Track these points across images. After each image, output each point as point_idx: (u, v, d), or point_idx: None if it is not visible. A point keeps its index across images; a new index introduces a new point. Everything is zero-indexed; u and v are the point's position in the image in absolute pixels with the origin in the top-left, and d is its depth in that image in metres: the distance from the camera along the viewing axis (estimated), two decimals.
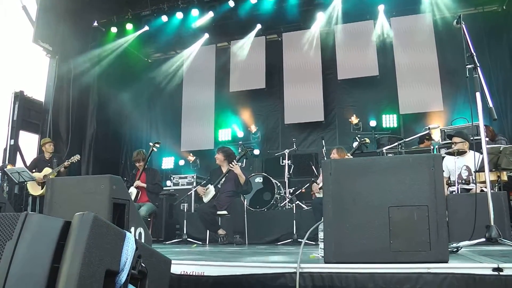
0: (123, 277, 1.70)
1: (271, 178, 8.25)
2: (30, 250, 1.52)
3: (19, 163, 8.97)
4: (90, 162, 9.80)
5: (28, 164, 8.44)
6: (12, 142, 9.07)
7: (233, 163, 6.67)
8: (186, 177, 9.36)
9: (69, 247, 1.53)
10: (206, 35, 11.01)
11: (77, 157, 7.68)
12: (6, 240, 1.55)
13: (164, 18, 10.41)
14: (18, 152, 9.19)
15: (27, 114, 9.54)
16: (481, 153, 3.58)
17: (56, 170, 7.59)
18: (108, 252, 1.64)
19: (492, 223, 3.07)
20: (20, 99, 9.36)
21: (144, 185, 6.95)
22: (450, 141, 6.19)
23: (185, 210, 7.43)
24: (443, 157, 5.53)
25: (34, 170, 7.77)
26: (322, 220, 2.68)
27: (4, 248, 1.53)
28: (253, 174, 8.49)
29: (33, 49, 9.76)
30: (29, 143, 9.61)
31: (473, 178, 5.41)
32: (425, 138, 7.98)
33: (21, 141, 9.34)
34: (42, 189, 7.46)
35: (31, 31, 9.53)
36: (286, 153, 8.40)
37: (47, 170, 7.65)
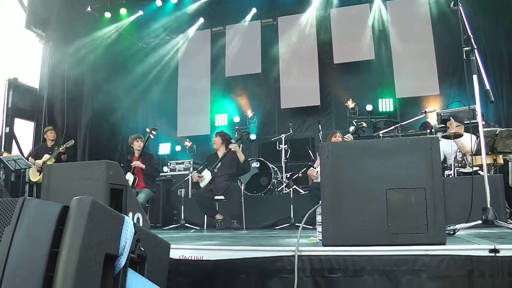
0: (122, 261, 1.70)
1: (267, 162, 8.25)
2: (29, 235, 1.51)
3: (15, 151, 8.93)
4: (86, 149, 9.77)
5: (30, 151, 8.40)
6: (8, 129, 9.03)
7: (232, 142, 6.71)
8: (183, 163, 9.35)
9: (67, 231, 1.52)
10: (201, 20, 10.92)
11: (71, 142, 7.65)
12: (4, 225, 1.53)
13: (158, 2, 10.32)
14: (13, 140, 9.15)
15: (21, 101, 9.46)
16: (477, 136, 3.58)
17: (53, 156, 7.55)
18: (107, 236, 1.64)
19: (488, 206, 3.09)
20: (15, 86, 9.29)
21: (143, 166, 6.90)
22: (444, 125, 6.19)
23: (182, 196, 7.44)
24: (439, 140, 5.53)
25: (36, 158, 7.73)
26: (320, 203, 2.69)
27: (3, 234, 1.51)
28: (250, 159, 8.47)
29: (26, 35, 9.67)
30: (25, 130, 9.57)
31: (469, 160, 5.43)
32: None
33: (16, 128, 9.30)
34: (40, 175, 7.44)
35: (23, 16, 9.42)
36: (283, 138, 8.38)
37: (46, 157, 7.62)
